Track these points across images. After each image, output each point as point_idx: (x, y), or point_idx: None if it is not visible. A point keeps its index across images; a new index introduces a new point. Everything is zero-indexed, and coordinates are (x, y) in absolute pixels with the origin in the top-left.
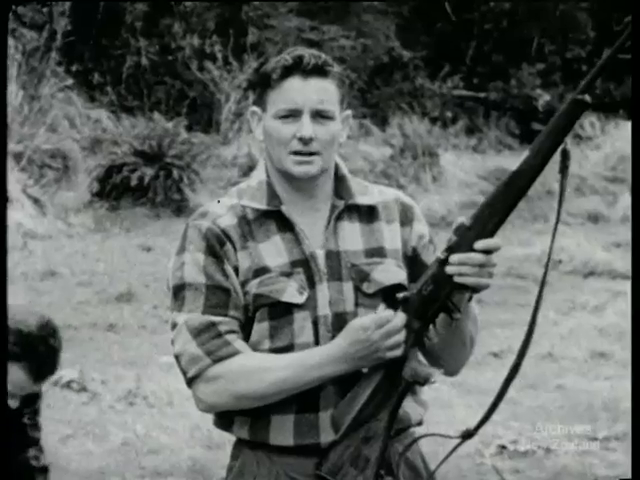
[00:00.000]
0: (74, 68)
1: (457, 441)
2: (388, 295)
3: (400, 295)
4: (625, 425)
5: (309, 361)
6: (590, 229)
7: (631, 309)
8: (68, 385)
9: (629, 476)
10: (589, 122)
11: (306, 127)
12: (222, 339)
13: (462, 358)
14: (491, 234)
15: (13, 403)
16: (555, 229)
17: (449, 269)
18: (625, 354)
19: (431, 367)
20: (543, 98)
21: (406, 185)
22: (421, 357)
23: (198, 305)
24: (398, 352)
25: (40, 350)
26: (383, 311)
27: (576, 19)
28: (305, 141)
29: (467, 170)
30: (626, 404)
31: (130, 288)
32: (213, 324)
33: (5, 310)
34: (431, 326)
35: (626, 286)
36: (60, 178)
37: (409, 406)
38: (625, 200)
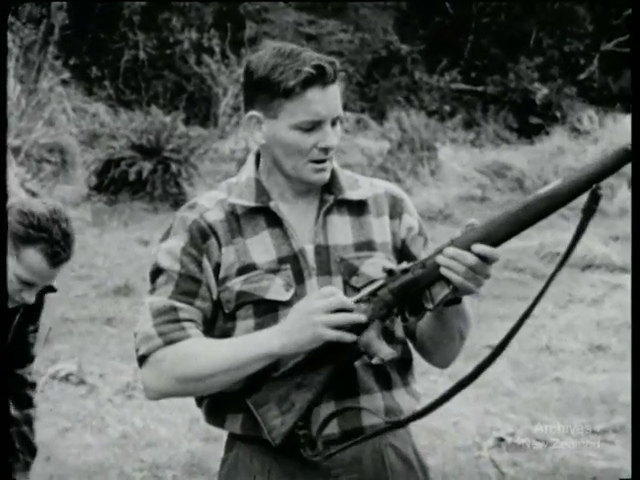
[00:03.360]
0: (72, 62)
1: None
2: None
3: (387, 266)
4: (623, 418)
5: (249, 337)
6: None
7: (631, 302)
8: (66, 378)
9: (627, 469)
10: (587, 116)
11: (331, 137)
12: (178, 324)
13: (451, 352)
14: (494, 244)
15: (29, 297)
16: (561, 264)
17: (439, 258)
18: (623, 347)
19: (389, 348)
20: (541, 92)
21: (404, 179)
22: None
23: (167, 290)
24: (347, 337)
25: (54, 232)
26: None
27: (574, 13)
28: (327, 150)
29: (465, 164)
30: (624, 397)
31: (128, 282)
32: (174, 309)
33: (5, 305)
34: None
35: (624, 279)
36: (58, 172)
37: (401, 397)
38: (623, 193)
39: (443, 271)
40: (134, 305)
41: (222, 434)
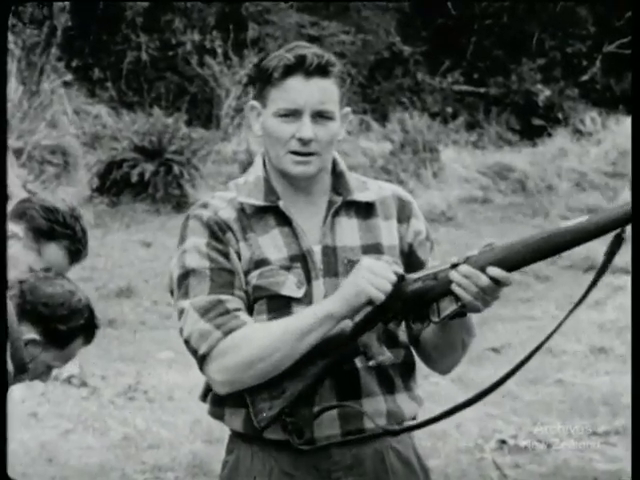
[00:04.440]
0: (74, 64)
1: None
2: None
3: (399, 271)
4: (625, 420)
5: (309, 308)
6: None
7: (631, 304)
8: (68, 380)
9: (629, 471)
10: (590, 117)
11: (306, 128)
12: (230, 314)
13: (453, 361)
14: (509, 268)
15: None
16: (583, 298)
17: (452, 274)
18: (625, 349)
19: (387, 352)
20: (543, 93)
21: (406, 180)
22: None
23: (203, 288)
24: (381, 295)
25: (76, 229)
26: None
27: (576, 14)
28: (304, 142)
29: (467, 165)
30: (626, 399)
31: (130, 284)
32: (220, 301)
33: (5, 307)
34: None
35: (626, 281)
36: (60, 174)
37: (403, 401)
38: (625, 195)
39: (454, 288)
40: (136, 307)
41: (224, 435)
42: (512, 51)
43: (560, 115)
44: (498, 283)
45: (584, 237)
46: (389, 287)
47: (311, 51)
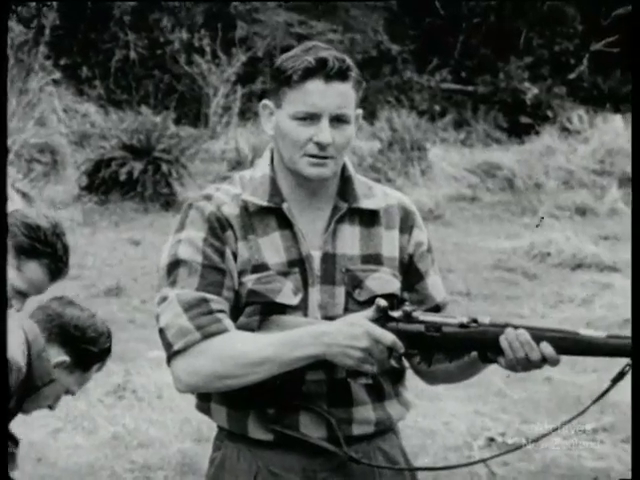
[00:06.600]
0: (62, 62)
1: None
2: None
3: (407, 309)
4: (613, 417)
5: (293, 338)
6: (578, 222)
7: (631, 304)
8: None
9: (617, 468)
10: (577, 115)
11: (325, 133)
12: (213, 316)
13: (448, 383)
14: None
15: (18, 306)
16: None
17: (510, 332)
18: None
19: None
20: (531, 91)
21: (394, 179)
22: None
23: (192, 282)
24: (370, 370)
25: (58, 247)
26: (394, 338)
27: (564, 13)
28: (322, 146)
29: (455, 164)
30: (613, 397)
31: (119, 282)
32: (205, 300)
33: (5, 307)
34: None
35: (614, 279)
36: (48, 172)
37: (392, 407)
38: (613, 193)
39: (503, 343)
40: (125, 306)
41: (213, 434)
42: (500, 49)
43: (548, 113)
44: (545, 361)
45: (600, 351)
46: (386, 357)
47: (332, 54)
